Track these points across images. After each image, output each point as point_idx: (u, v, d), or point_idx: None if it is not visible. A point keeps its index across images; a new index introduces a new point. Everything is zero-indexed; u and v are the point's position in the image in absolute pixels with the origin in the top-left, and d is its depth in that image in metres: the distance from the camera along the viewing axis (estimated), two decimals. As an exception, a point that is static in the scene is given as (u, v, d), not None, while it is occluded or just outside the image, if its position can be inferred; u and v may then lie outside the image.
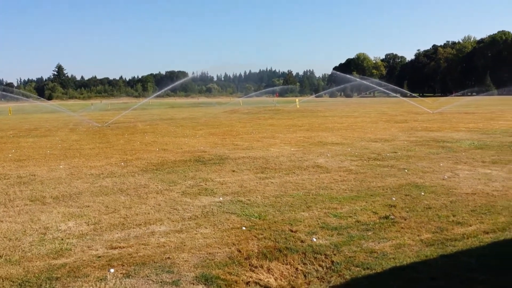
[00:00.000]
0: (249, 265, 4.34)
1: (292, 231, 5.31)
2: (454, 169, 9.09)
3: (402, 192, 7.16)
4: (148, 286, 3.90)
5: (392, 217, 5.77)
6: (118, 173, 9.41)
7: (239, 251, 4.68)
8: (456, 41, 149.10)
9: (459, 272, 4.03)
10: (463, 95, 79.26)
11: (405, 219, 5.68)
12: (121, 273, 4.15)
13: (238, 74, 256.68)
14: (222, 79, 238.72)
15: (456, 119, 25.07)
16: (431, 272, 4.06)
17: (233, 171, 9.37)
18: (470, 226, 5.39)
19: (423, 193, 7.00)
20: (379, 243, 4.86)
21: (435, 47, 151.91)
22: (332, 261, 4.35)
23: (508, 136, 15.00)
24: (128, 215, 6.13)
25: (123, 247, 4.87)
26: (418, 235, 5.06)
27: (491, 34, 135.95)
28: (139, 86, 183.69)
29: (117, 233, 5.37)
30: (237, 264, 4.34)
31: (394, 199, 6.70)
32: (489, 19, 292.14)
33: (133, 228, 5.58)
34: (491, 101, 60.65)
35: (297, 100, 58.53)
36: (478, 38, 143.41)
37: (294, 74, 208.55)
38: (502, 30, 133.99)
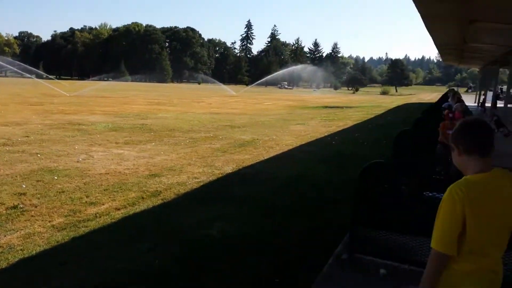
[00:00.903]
0: None
1: None
2: (89, 151, 9.26)
3: (34, 178, 6.72)
4: None
5: (21, 206, 5.32)
6: None
7: None
8: (94, 27, 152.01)
9: (89, 252, 4.12)
10: (99, 79, 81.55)
11: (36, 206, 5.36)
12: None
13: None
14: None
15: (93, 102, 25.68)
16: (62, 257, 3.99)
17: None
18: (103, 205, 5.61)
19: (56, 177, 6.79)
20: (5, 236, 4.40)
21: (72, 30, 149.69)
22: None
23: (140, 119, 16.59)
24: None
25: None
26: (49, 221, 4.87)
27: (126, 24, 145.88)
28: None
29: None
30: None
31: (24, 186, 6.21)
32: (125, 9, 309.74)
33: None
34: (125, 86, 65.60)
35: None
36: (114, 26, 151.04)
37: None
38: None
